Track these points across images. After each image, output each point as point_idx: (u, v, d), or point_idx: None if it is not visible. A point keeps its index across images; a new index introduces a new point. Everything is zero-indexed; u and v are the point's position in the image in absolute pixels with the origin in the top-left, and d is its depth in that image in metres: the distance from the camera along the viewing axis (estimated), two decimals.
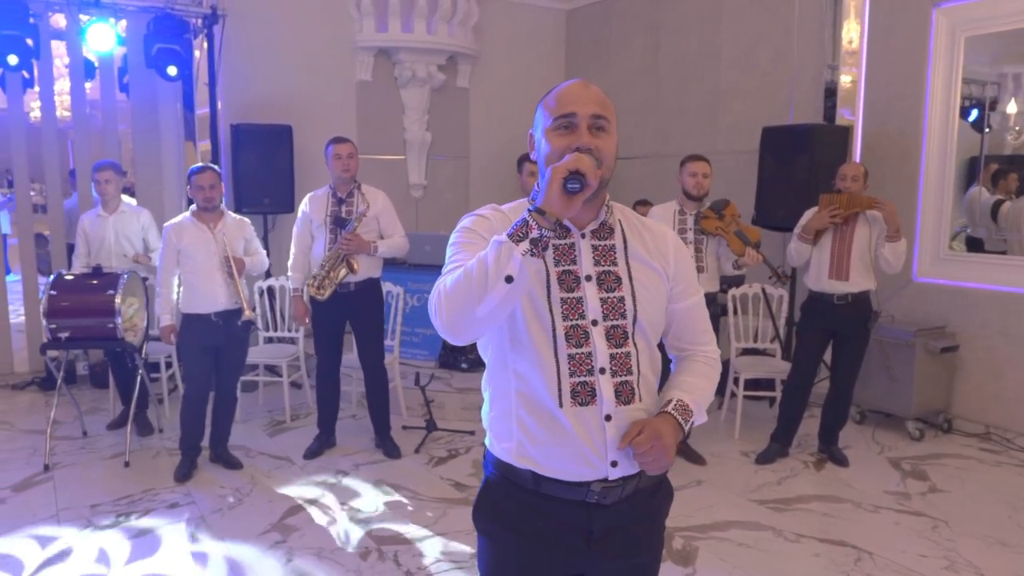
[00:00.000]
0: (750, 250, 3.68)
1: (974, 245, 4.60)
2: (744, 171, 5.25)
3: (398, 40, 6.10)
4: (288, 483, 3.67)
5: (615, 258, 1.37)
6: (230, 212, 3.80)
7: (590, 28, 6.93)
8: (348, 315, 3.97)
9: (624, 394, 1.34)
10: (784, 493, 3.59)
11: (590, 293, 1.34)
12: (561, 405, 1.31)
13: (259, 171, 5.45)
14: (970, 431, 4.41)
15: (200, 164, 3.74)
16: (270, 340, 4.96)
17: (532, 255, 1.19)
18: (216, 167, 3.74)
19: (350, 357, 4.21)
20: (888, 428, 4.44)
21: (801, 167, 4.70)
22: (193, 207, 3.70)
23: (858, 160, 4.84)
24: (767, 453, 3.98)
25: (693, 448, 3.97)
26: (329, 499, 3.50)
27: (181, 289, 3.72)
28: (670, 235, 1.46)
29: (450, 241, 1.37)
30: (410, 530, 3.19)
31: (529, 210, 1.21)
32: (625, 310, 1.35)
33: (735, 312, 4.55)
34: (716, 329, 5.49)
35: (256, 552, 2.99)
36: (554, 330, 1.32)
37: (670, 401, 1.39)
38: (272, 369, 5.05)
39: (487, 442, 1.45)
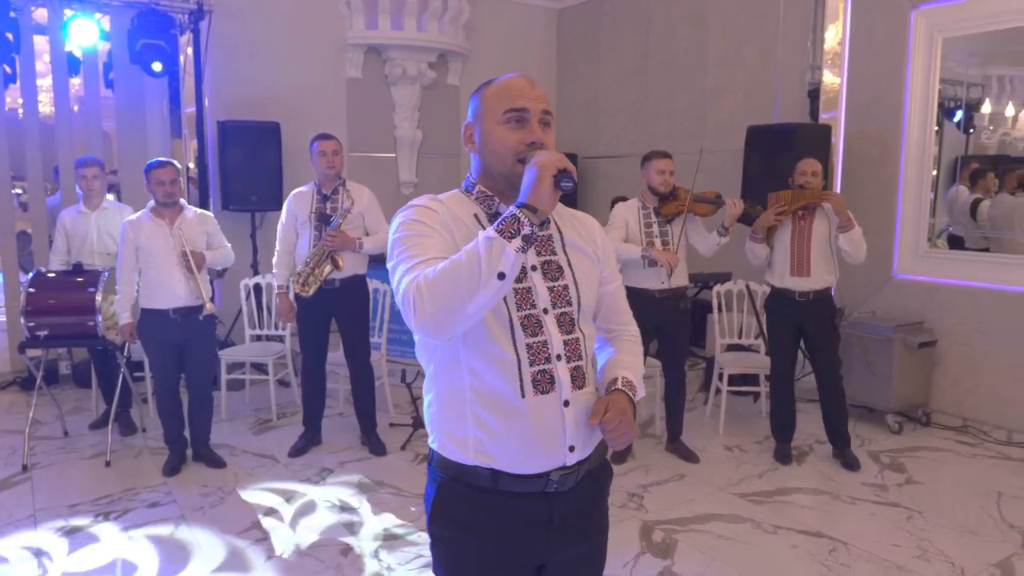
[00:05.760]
0: (730, 200, 3.73)
1: (956, 243, 4.67)
2: (730, 170, 5.30)
3: (388, 37, 6.11)
4: (271, 481, 3.67)
5: (554, 248, 1.41)
6: (190, 207, 3.77)
7: (581, 27, 6.95)
8: (334, 312, 3.98)
9: (578, 379, 1.37)
10: (765, 486, 3.64)
11: (537, 282, 1.36)
12: (524, 395, 1.32)
13: (247, 168, 5.44)
14: (948, 424, 4.48)
15: (158, 159, 3.71)
16: (257, 338, 4.96)
17: (522, 251, 1.19)
18: (175, 161, 3.71)
19: (337, 354, 4.21)
20: (868, 422, 4.50)
21: (786, 165, 4.71)
22: (151, 203, 3.66)
23: (840, 160, 4.90)
24: (781, 451, 3.95)
25: (687, 445, 4.01)
26: (312, 496, 3.51)
27: (140, 283, 3.68)
28: (595, 221, 1.53)
29: (397, 235, 1.32)
30: (393, 526, 3.21)
31: (520, 205, 1.21)
32: (570, 297, 1.39)
33: (720, 309, 4.59)
34: (703, 325, 5.57)
35: (236, 549, 3.00)
36: (511, 321, 1.33)
37: (616, 379, 1.43)
38: (259, 367, 5.05)
39: (433, 446, 1.42)
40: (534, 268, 1.36)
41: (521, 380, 1.32)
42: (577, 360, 1.37)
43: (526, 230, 1.19)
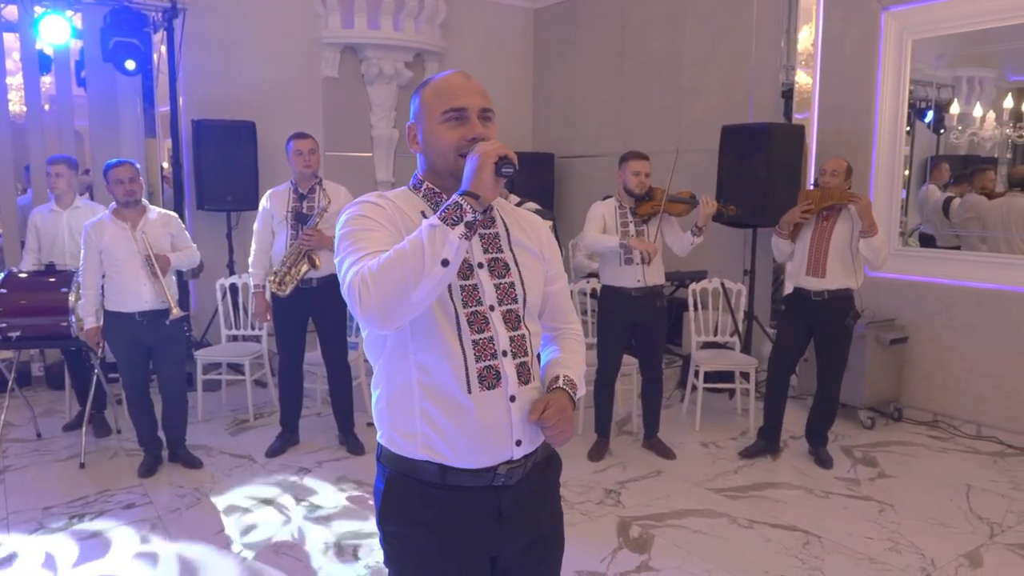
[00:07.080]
0: (705, 198, 3.75)
1: (928, 241, 4.75)
2: (705, 169, 5.35)
3: (364, 36, 6.08)
4: (249, 482, 3.65)
5: (500, 245, 1.43)
6: (154, 207, 3.71)
7: (557, 27, 6.98)
8: (310, 311, 3.96)
9: (524, 375, 1.39)
10: (740, 481, 3.68)
11: (484, 279, 1.38)
12: (470, 391, 1.34)
13: (222, 168, 5.39)
14: (919, 419, 4.57)
15: (117, 158, 3.64)
16: (233, 338, 4.92)
17: (466, 238, 1.21)
18: (134, 161, 3.66)
19: (314, 354, 4.19)
20: (842, 417, 4.51)
21: (759, 165, 4.80)
22: (113, 205, 3.60)
23: (813, 159, 4.97)
24: (752, 448, 3.98)
25: (663, 442, 4.04)
26: (290, 496, 3.49)
27: (104, 285, 3.60)
28: (541, 221, 1.55)
29: (343, 230, 1.33)
30: (370, 525, 3.20)
31: (462, 193, 1.22)
32: (516, 295, 1.41)
33: (696, 307, 4.64)
34: (679, 323, 5.62)
35: (212, 551, 2.98)
36: (457, 317, 1.34)
37: (558, 377, 1.46)
38: (235, 367, 5.00)
39: (381, 441, 1.43)
40: (480, 266, 1.38)
41: (467, 375, 1.34)
42: (523, 356, 1.40)
43: (469, 217, 1.20)
